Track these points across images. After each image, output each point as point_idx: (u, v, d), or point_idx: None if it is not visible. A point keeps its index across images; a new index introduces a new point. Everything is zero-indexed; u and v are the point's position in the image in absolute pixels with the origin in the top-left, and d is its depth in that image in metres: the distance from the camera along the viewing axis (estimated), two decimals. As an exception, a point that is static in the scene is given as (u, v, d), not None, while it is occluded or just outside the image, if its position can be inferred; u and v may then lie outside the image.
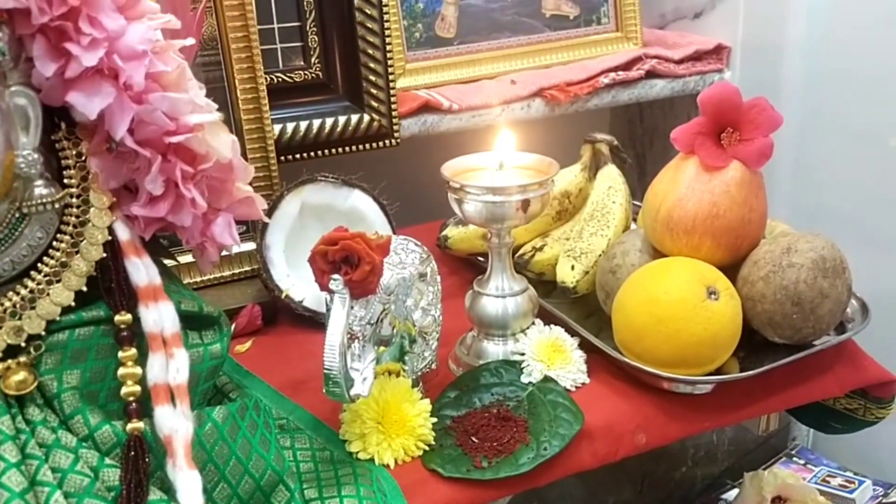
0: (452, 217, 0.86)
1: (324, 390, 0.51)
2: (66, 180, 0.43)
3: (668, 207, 0.63)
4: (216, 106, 0.45)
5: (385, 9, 0.80)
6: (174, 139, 0.43)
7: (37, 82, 0.40)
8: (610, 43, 1.03)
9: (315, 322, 0.73)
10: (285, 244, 0.73)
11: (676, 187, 0.63)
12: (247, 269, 0.76)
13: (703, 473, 1.00)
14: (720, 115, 0.62)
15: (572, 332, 0.65)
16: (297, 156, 0.80)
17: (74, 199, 0.43)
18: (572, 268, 0.72)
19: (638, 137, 1.13)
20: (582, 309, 0.72)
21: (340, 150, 0.83)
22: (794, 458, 1.03)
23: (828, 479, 0.98)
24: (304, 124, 0.80)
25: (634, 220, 0.78)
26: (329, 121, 0.81)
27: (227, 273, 0.75)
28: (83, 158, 0.43)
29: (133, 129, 0.42)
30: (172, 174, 0.44)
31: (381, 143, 0.84)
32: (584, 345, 0.64)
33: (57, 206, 0.42)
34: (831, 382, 0.67)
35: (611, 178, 0.79)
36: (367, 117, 0.82)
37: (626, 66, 0.96)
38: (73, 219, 0.43)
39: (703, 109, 0.63)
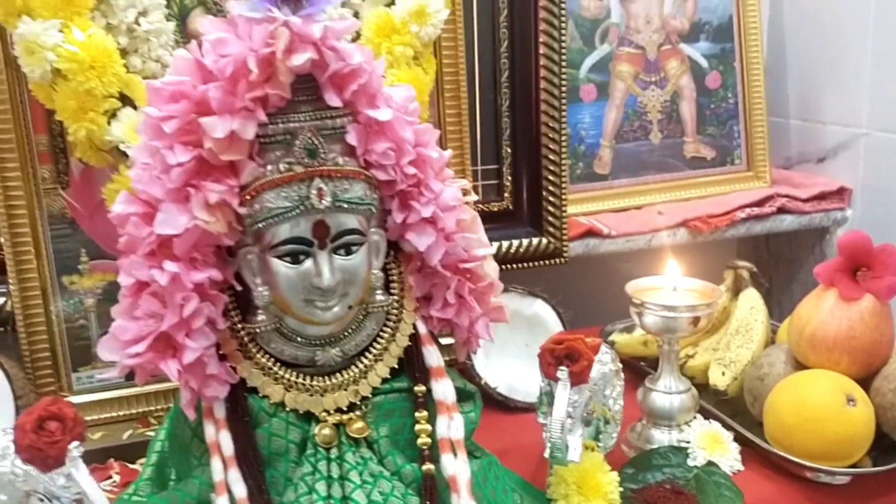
0: (611, 323, 1.03)
1: (546, 454, 0.67)
2: (391, 290, 0.62)
3: (812, 328, 0.77)
4: (492, 248, 0.64)
5: (564, 155, 0.99)
6: (467, 265, 0.62)
7: (387, 225, 0.60)
8: (742, 181, 1.20)
9: (506, 405, 0.89)
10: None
11: (819, 312, 0.77)
12: (449, 358, 0.94)
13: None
14: (855, 256, 0.77)
15: (727, 427, 0.79)
16: (490, 269, 0.99)
17: (395, 304, 0.62)
18: (723, 374, 0.86)
19: (764, 263, 1.28)
20: (728, 409, 0.86)
21: (521, 265, 1.01)
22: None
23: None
24: (495, 244, 0.99)
25: (773, 335, 0.93)
26: (515, 242, 1.00)
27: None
28: (402, 275, 0.62)
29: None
30: (462, 290, 0.62)
31: (553, 261, 1.02)
32: (737, 438, 0.78)
33: (386, 308, 0.61)
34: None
35: (752, 300, 0.94)
36: (544, 240, 1.01)
37: (760, 202, 1.12)
38: (394, 317, 0.62)
39: (840, 251, 0.78)
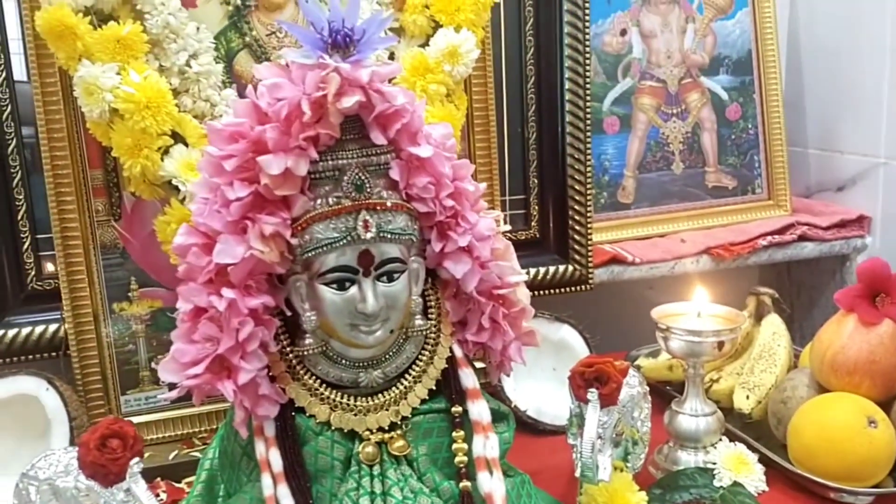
0: (636, 348, 1.06)
1: (577, 474, 0.69)
2: (429, 315, 0.65)
3: (833, 353, 0.80)
4: (525, 276, 0.67)
5: (589, 185, 1.03)
6: (500, 292, 0.65)
7: (426, 253, 0.64)
8: (763, 210, 1.23)
9: (535, 428, 0.92)
10: (512, 365, 0.94)
11: (840, 337, 0.80)
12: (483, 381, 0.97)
13: None
14: (874, 283, 0.80)
15: (752, 449, 0.81)
16: (518, 296, 1.02)
17: (433, 328, 0.65)
18: (747, 397, 0.89)
19: (786, 289, 1.30)
20: (753, 431, 0.88)
21: (548, 292, 1.04)
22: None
23: None
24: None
25: (795, 359, 0.95)
26: (542, 269, 1.03)
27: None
28: (439, 301, 0.66)
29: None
30: (496, 315, 0.65)
31: (578, 288, 1.06)
32: (762, 459, 0.81)
33: (424, 332, 0.65)
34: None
35: (775, 325, 0.97)
36: (570, 268, 1.04)
37: (781, 230, 1.15)
38: (431, 341, 0.65)
39: (860, 277, 0.81)
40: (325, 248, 0.58)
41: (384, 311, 0.60)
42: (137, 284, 0.86)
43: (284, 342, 0.61)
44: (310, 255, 0.58)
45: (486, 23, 0.88)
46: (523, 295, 0.68)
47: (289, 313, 0.61)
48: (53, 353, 0.86)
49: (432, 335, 0.65)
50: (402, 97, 0.58)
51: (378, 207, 0.59)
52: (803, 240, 1.16)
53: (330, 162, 0.58)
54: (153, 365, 0.87)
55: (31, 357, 0.86)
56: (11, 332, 0.85)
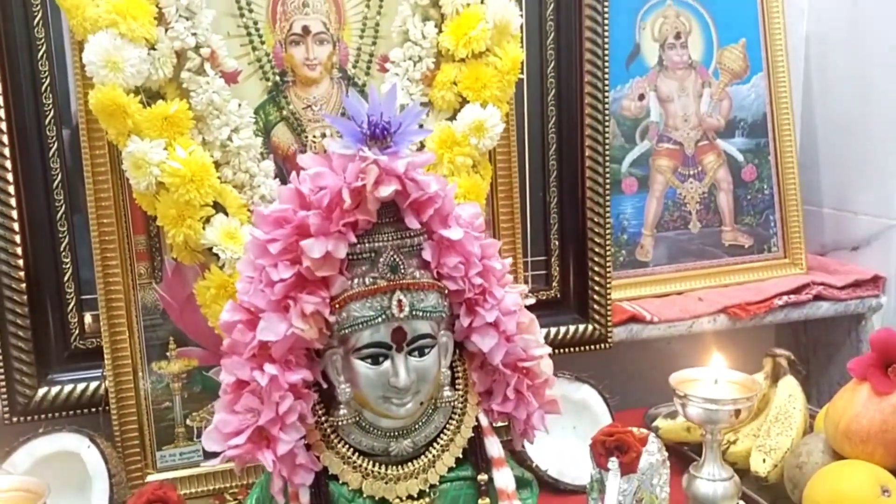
0: (655, 406, 1.08)
1: (598, 539, 0.72)
2: (457, 386, 0.69)
3: (846, 421, 0.82)
4: (548, 349, 0.70)
5: (609, 245, 1.06)
6: (525, 364, 0.68)
7: (454, 327, 0.67)
8: (779, 268, 1.25)
9: (556, 487, 0.95)
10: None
11: (853, 406, 0.82)
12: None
13: None
14: (887, 352, 0.82)
15: (768, 513, 0.83)
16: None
17: (460, 398, 0.68)
18: (764, 461, 0.91)
19: (802, 345, 1.32)
20: (769, 494, 0.90)
21: (566, 350, 1.07)
22: None
23: None
24: (543, 331, 1.05)
25: (811, 420, 0.97)
26: (563, 329, 1.06)
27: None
28: (466, 372, 0.69)
29: (501, 356, 0.68)
30: (521, 386, 0.69)
31: (597, 346, 1.08)
32: (779, 524, 0.83)
33: (452, 402, 0.68)
34: None
35: (791, 388, 0.99)
36: (590, 327, 1.07)
37: (797, 290, 1.18)
38: (459, 410, 0.68)
39: (872, 347, 0.83)
40: (361, 326, 0.62)
41: (415, 384, 0.63)
42: (175, 344, 0.90)
43: (320, 412, 0.65)
44: (346, 331, 0.62)
45: (511, 97, 0.92)
46: (547, 366, 0.71)
47: (324, 385, 0.64)
48: (93, 409, 0.90)
49: (459, 405, 0.68)
50: (434, 184, 0.62)
51: (411, 287, 0.62)
52: (819, 299, 1.18)
53: (367, 244, 0.62)
54: (188, 422, 0.91)
55: (71, 413, 0.90)
56: (55, 390, 0.89)
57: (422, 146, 0.88)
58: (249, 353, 0.61)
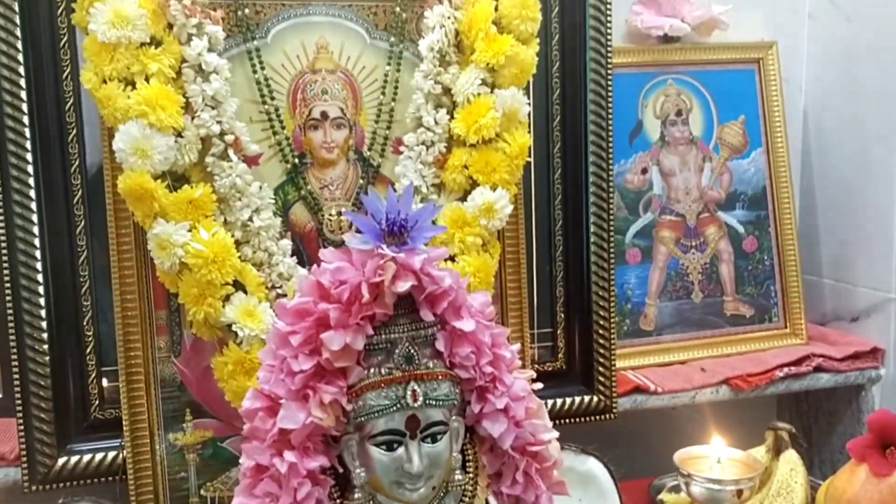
0: (660, 476, 1.10)
1: None
2: (467, 469, 0.71)
3: (846, 501, 0.84)
4: (556, 433, 0.73)
5: (613, 318, 1.09)
6: (534, 448, 0.71)
7: (465, 413, 0.70)
8: (780, 338, 1.28)
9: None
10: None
11: (852, 486, 0.84)
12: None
13: None
14: (884, 434, 0.84)
15: (771, 592, 0.85)
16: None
17: (471, 481, 0.71)
18: (766, 537, 0.92)
19: (804, 413, 1.34)
20: (773, 570, 0.92)
21: (571, 421, 1.09)
22: None
23: None
24: (550, 402, 1.07)
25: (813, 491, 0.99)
26: (568, 400, 1.08)
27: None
28: (476, 455, 0.72)
29: (510, 440, 0.71)
30: (529, 469, 0.71)
31: (602, 417, 1.11)
32: None
33: (462, 485, 0.70)
34: None
35: (792, 462, 1.01)
36: (595, 398, 1.09)
37: (798, 361, 1.20)
38: (469, 493, 0.70)
39: (870, 428, 0.85)
40: (376, 414, 0.64)
41: (428, 469, 0.66)
42: (191, 415, 0.93)
43: (335, 496, 0.67)
44: (362, 419, 0.65)
45: (519, 179, 0.96)
46: (555, 450, 0.73)
47: (341, 470, 0.67)
48: (111, 478, 0.92)
49: (470, 488, 0.71)
50: (448, 279, 0.66)
51: (425, 377, 0.65)
52: (819, 371, 1.20)
53: (383, 336, 0.65)
54: (202, 492, 0.93)
55: (90, 482, 0.92)
56: (74, 459, 0.91)
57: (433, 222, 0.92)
58: (270, 440, 0.63)
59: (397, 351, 0.65)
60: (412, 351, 0.65)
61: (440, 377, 0.66)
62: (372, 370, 0.65)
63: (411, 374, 0.65)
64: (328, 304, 0.63)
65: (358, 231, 0.66)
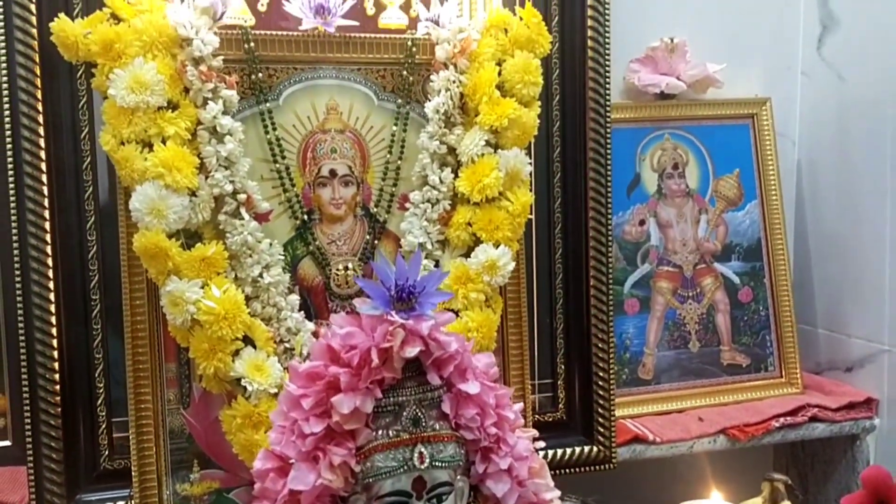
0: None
1: None
2: (470, 527, 0.73)
3: (841, 558, 0.86)
4: (558, 492, 0.75)
5: (612, 368, 1.11)
6: (536, 507, 0.73)
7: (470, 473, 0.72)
8: (776, 387, 1.30)
9: None
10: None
11: (847, 543, 0.86)
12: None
13: None
14: (877, 490, 0.86)
15: None
16: (544, 475, 1.09)
17: (474, 537, 0.73)
18: (763, 591, 0.94)
19: (800, 461, 1.36)
20: None
21: (571, 471, 1.11)
22: None
23: None
24: (550, 452, 1.09)
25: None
26: (568, 450, 1.10)
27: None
28: (480, 513, 0.74)
29: (513, 499, 0.73)
30: (532, 527, 0.73)
31: (602, 467, 1.12)
32: None
33: (467, 541, 0.72)
34: None
35: (788, 515, 1.03)
36: (595, 448, 1.11)
37: (793, 412, 1.22)
38: (473, 547, 0.73)
39: (864, 484, 0.87)
40: (384, 475, 0.67)
41: (433, 529, 0.68)
42: (199, 466, 0.94)
43: (343, 555, 0.69)
44: (370, 480, 0.67)
45: (521, 236, 0.99)
46: (556, 507, 0.75)
47: (348, 529, 0.69)
48: (118, 528, 0.94)
49: (473, 542, 0.73)
50: (454, 343, 0.68)
51: (432, 439, 0.68)
52: (815, 420, 1.22)
53: (392, 399, 0.67)
54: (208, 542, 0.94)
55: (98, 532, 0.93)
56: (82, 509, 0.93)
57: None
58: (280, 500, 0.66)
59: (405, 413, 0.67)
60: (419, 413, 0.68)
61: (446, 439, 0.68)
62: (380, 432, 0.67)
63: (418, 437, 0.67)
64: (339, 367, 0.66)
65: (367, 295, 0.68)
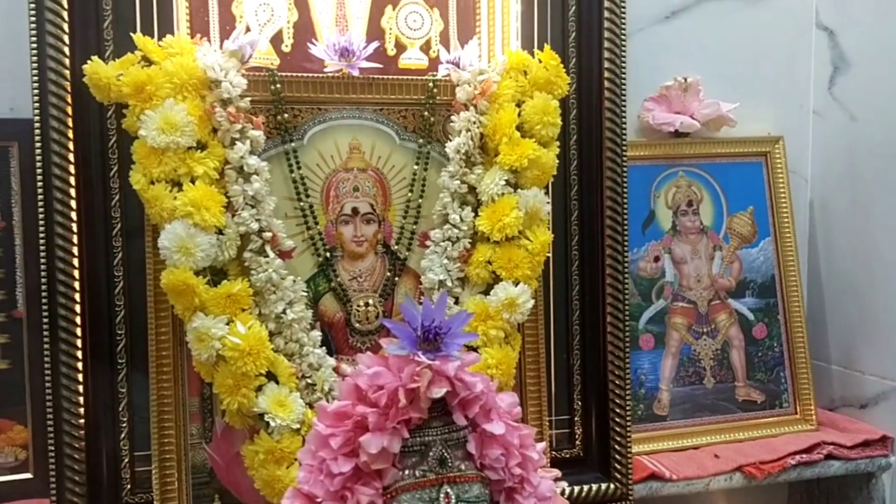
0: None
1: None
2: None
3: None
4: (582, 527, 0.75)
5: (628, 405, 1.12)
6: (558, 547, 0.73)
7: (494, 512, 0.73)
8: (790, 424, 1.30)
9: None
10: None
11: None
12: None
13: None
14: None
15: None
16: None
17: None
18: None
19: (815, 497, 1.35)
20: None
21: (589, 507, 1.11)
22: None
23: None
24: (567, 489, 1.09)
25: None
26: (585, 487, 1.10)
27: None
28: (502, 550, 0.74)
29: (536, 538, 0.73)
30: (554, 567, 0.73)
31: (619, 504, 1.13)
32: None
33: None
34: None
35: (806, 555, 1.02)
36: (612, 486, 1.11)
37: (809, 449, 1.22)
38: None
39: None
40: (410, 515, 0.67)
41: (458, 569, 0.68)
42: (220, 500, 0.95)
43: None
44: (396, 519, 0.68)
45: (539, 274, 1.00)
46: (577, 547, 0.76)
47: (374, 569, 0.69)
48: (139, 562, 0.94)
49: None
50: (479, 384, 0.69)
51: (458, 480, 0.68)
52: (830, 458, 1.22)
53: (418, 438, 0.68)
54: (227, 577, 0.95)
55: (119, 566, 0.94)
56: (105, 544, 0.94)
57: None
58: (309, 540, 0.66)
59: (431, 453, 0.68)
60: (445, 454, 0.68)
61: (471, 479, 0.69)
62: (406, 472, 0.68)
63: (444, 477, 0.68)
64: (366, 407, 0.67)
65: (392, 335, 0.70)
